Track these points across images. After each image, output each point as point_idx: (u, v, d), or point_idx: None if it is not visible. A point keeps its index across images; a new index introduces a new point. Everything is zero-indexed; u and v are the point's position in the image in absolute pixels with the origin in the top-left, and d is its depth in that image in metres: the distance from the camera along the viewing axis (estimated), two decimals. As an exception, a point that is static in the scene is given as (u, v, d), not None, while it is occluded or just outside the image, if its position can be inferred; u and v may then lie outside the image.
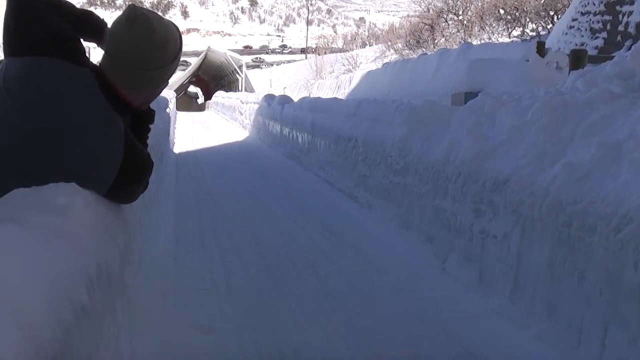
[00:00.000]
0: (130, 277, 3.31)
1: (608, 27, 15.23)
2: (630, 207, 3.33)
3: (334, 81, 29.54)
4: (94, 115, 2.59)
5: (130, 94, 2.78)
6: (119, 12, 2.89)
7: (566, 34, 17.72)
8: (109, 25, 2.85)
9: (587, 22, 16.58)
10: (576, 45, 15.38)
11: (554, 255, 3.96)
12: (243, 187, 10.07)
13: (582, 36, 16.60)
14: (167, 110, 14.77)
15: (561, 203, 3.91)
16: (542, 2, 38.53)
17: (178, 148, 16.14)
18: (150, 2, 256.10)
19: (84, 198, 2.43)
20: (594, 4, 16.16)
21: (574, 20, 17.52)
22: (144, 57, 2.72)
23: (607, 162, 3.82)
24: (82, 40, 2.90)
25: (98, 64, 2.80)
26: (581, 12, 17.00)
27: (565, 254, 3.84)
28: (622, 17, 14.31)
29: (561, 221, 3.87)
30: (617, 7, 14.70)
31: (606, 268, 3.44)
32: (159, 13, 3.08)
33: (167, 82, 3.04)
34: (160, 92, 3.07)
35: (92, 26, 3.12)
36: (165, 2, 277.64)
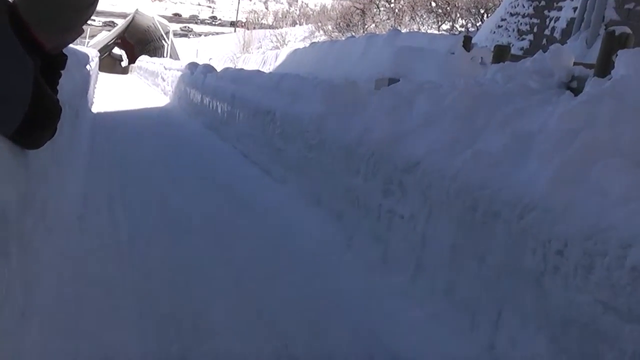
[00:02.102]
0: (30, 226, 3.22)
1: (535, 30, 15.48)
2: (534, 196, 3.42)
3: (260, 56, 29.40)
4: (2, 52, 2.51)
5: (43, 34, 2.71)
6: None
7: (494, 32, 17.94)
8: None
9: (515, 23, 16.82)
10: (503, 44, 15.58)
11: (458, 238, 4.03)
12: (158, 153, 9.95)
13: (510, 36, 16.82)
14: (88, 67, 14.47)
15: (469, 188, 3.97)
16: (473, -1, 39.01)
17: (97, 108, 15.84)
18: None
19: (-15, 137, 2.35)
20: (524, 6, 16.40)
21: (502, 20, 17.75)
22: None
23: (517, 152, 3.90)
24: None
25: (12, 1, 2.71)
26: (510, 13, 17.23)
27: (468, 237, 3.91)
28: (549, 22, 14.57)
29: (467, 205, 3.94)
30: (545, 12, 14.95)
31: (506, 253, 3.51)
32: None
33: (82, 30, 2.96)
34: (75, 38, 2.99)
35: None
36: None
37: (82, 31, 3.00)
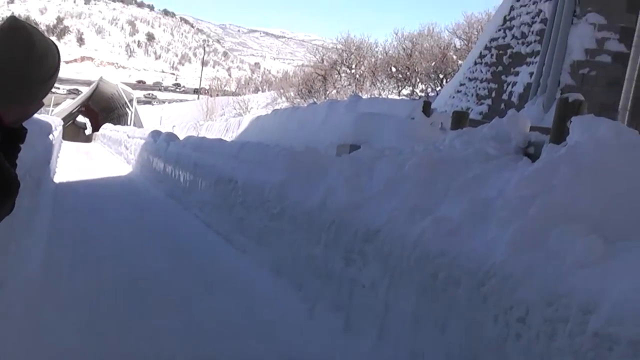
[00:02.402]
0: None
1: (493, 94, 15.66)
2: (494, 262, 3.42)
3: (223, 124, 29.48)
4: None
5: (2, 108, 2.67)
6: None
7: (453, 97, 18.12)
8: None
9: (473, 88, 16.99)
10: (462, 109, 15.71)
11: (420, 305, 4.01)
12: (120, 223, 9.86)
13: (469, 101, 16.97)
14: (51, 137, 14.40)
15: (429, 255, 3.97)
16: (432, 64, 39.55)
17: (59, 177, 15.74)
18: (46, 26, 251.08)
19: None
20: (482, 72, 16.60)
21: (461, 85, 17.94)
22: (20, 70, 2.62)
23: (476, 218, 3.92)
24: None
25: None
26: (469, 78, 17.43)
27: (430, 304, 3.90)
28: (507, 87, 14.75)
29: (428, 273, 3.94)
30: (503, 77, 15.15)
31: (468, 320, 3.50)
32: (54, 37, 2.97)
33: (42, 102, 2.93)
34: (35, 111, 2.96)
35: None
36: (61, 27, 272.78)
37: (43, 104, 2.97)
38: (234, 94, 71.79)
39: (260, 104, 55.61)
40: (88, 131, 71.88)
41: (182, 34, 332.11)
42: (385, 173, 5.33)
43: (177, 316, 5.32)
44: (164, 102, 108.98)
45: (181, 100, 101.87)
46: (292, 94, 50.23)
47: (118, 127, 39.89)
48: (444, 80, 36.90)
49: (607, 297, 2.75)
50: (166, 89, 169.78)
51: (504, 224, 3.62)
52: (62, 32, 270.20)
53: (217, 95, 63.99)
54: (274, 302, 5.81)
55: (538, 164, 4.03)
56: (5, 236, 4.42)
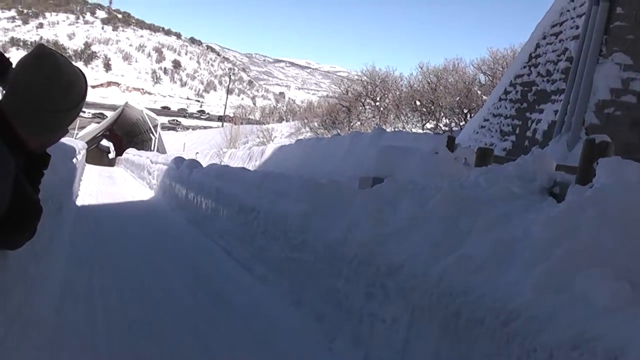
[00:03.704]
0: (4, 326, 3.14)
1: (517, 131, 15.58)
2: (518, 303, 3.38)
3: (246, 152, 29.53)
4: None
5: (28, 134, 2.68)
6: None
7: (477, 132, 18.05)
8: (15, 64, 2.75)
9: (498, 124, 16.92)
10: (486, 144, 15.64)
11: (441, 344, 3.97)
12: (140, 248, 9.86)
13: (492, 137, 16.89)
14: (74, 160, 14.46)
15: (452, 293, 3.93)
16: (457, 99, 39.59)
17: (81, 201, 15.79)
18: (74, 51, 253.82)
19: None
20: (506, 108, 16.53)
21: (485, 120, 17.87)
22: (47, 97, 2.63)
23: (500, 258, 3.88)
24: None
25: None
26: (493, 114, 17.37)
27: (452, 343, 3.86)
28: (531, 124, 14.68)
29: (450, 311, 3.90)
30: (527, 114, 15.08)
31: (490, 361, 3.46)
32: (82, 62, 2.99)
33: (67, 129, 2.94)
34: (60, 138, 2.97)
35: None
36: (89, 52, 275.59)
37: (67, 131, 2.98)
38: (258, 122, 72.25)
39: (283, 134, 55.84)
40: (111, 155, 72.43)
41: (208, 62, 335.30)
42: (408, 208, 5.31)
43: (191, 340, 5.29)
44: (188, 128, 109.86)
45: (205, 127, 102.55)
46: (316, 124, 50.41)
47: (141, 152, 40.08)
48: (468, 115, 36.91)
49: (634, 344, 2.70)
50: (191, 116, 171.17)
51: (529, 264, 3.59)
52: (90, 57, 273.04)
53: (241, 123, 64.38)
54: (293, 334, 5.77)
55: (564, 204, 3.99)
56: (25, 259, 4.41)
